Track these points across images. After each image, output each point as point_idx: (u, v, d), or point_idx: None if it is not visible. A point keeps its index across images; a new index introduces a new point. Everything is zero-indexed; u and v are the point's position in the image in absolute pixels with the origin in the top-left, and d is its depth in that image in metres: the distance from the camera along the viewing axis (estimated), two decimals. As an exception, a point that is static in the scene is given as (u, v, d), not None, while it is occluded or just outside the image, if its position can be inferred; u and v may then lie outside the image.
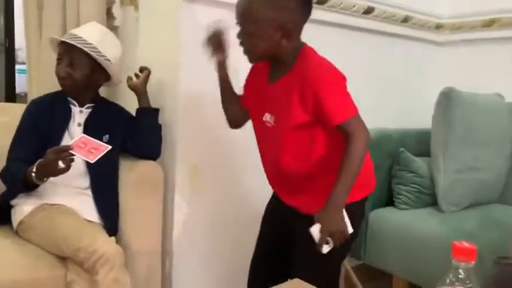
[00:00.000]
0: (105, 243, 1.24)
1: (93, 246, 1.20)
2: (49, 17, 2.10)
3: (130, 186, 1.47)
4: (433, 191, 1.88)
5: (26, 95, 3.93)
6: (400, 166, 1.92)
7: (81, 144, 1.25)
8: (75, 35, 1.43)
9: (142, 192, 1.48)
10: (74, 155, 1.23)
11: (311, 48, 1.22)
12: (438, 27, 2.38)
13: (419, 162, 1.90)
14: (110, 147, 1.28)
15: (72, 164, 1.26)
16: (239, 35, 1.19)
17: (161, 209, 1.53)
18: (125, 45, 1.64)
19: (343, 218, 1.13)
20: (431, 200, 1.90)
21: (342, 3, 1.91)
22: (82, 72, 1.43)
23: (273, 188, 1.40)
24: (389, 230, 1.85)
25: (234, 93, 1.36)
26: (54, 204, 1.37)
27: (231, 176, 1.75)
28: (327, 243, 1.11)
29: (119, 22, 2.02)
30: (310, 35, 1.84)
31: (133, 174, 1.48)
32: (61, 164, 1.22)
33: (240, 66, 1.33)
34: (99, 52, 1.43)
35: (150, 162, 1.52)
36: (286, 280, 1.26)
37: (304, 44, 1.22)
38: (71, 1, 2.01)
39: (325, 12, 1.89)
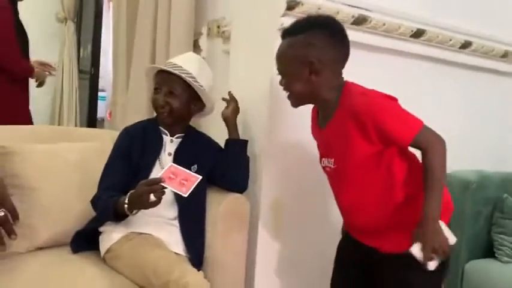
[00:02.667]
0: (195, 277, 1.19)
1: (183, 280, 1.15)
2: (139, 48, 2.18)
3: (217, 220, 1.42)
4: (540, 243, 1.68)
5: (103, 120, 4.14)
6: (503, 214, 1.74)
7: (171, 175, 1.23)
8: (174, 64, 1.44)
9: (229, 226, 1.43)
10: (165, 187, 1.21)
11: (353, 84, 1.22)
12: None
13: (526, 211, 1.72)
14: (200, 177, 1.24)
15: None
16: (280, 82, 1.25)
17: (246, 243, 1.47)
18: (213, 77, 1.64)
19: (441, 231, 1.11)
20: (538, 253, 1.70)
21: (438, 36, 1.81)
22: (181, 101, 1.43)
23: (349, 230, 1.34)
24: (491, 285, 1.66)
25: None
26: (142, 234, 1.35)
27: (315, 213, 1.66)
28: (432, 259, 1.09)
29: (205, 54, 2.05)
30: (406, 67, 1.79)
31: (220, 207, 1.43)
32: (152, 197, 1.20)
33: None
34: (198, 82, 1.43)
35: (237, 196, 1.47)
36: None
37: (345, 83, 1.22)
38: (160, 33, 2.08)
39: (421, 46, 1.80)
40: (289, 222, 1.61)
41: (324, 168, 1.30)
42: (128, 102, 2.28)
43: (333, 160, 1.24)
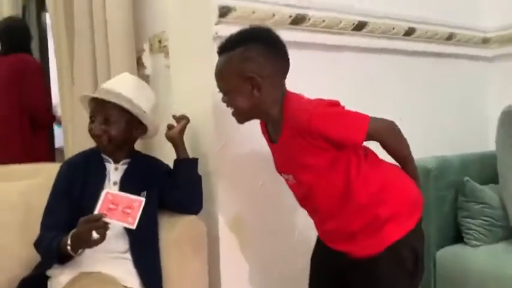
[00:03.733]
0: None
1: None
2: (80, 71, 2.09)
3: (171, 246, 1.35)
4: (507, 223, 1.66)
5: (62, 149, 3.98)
6: (466, 197, 1.72)
7: (110, 205, 1.14)
8: (107, 89, 1.36)
9: (185, 251, 1.35)
10: (107, 223, 1.13)
11: (292, 94, 1.20)
12: (485, 41, 2.21)
13: (488, 191, 1.70)
14: (143, 199, 1.16)
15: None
16: (222, 99, 1.22)
17: (206, 268, 1.39)
18: (157, 94, 1.57)
19: None
20: (506, 234, 1.69)
21: (380, 27, 1.79)
22: (118, 127, 1.35)
23: (320, 236, 1.31)
24: (463, 271, 1.64)
25: None
26: (92, 273, 1.26)
27: (279, 223, 1.60)
28: None
29: (149, 71, 1.98)
30: (352, 62, 1.76)
31: (174, 232, 1.36)
32: (95, 235, 1.12)
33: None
34: (134, 104, 1.35)
35: (191, 218, 1.40)
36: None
37: (286, 94, 1.20)
38: (100, 54, 1.99)
39: (363, 38, 1.77)
40: (253, 238, 1.55)
41: (285, 180, 1.27)
42: (75, 130, 2.18)
43: (291, 176, 1.22)
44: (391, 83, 1.89)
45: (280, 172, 1.28)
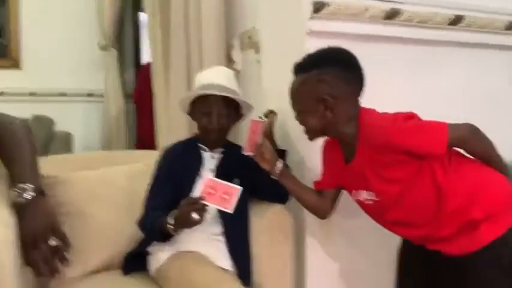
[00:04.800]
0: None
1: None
2: (174, 67, 2.21)
3: (261, 232, 1.42)
4: None
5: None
6: None
7: (210, 190, 1.24)
8: (221, 85, 1.43)
9: (273, 239, 1.42)
10: (207, 205, 1.21)
11: (366, 111, 1.21)
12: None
13: None
14: (241, 188, 1.24)
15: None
16: (296, 117, 1.27)
17: (293, 253, 1.44)
18: (247, 89, 1.64)
19: None
20: None
21: (475, 21, 1.70)
22: (231, 119, 1.47)
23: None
24: None
25: (307, 189, 1.39)
26: (189, 252, 1.36)
27: (365, 218, 1.59)
28: None
29: (239, 66, 2.05)
30: (394, 54, 1.68)
31: (264, 219, 1.43)
32: (195, 216, 1.21)
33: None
34: (241, 97, 1.45)
35: (279, 207, 1.46)
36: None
37: (360, 112, 1.21)
38: (194, 50, 2.10)
39: (458, 32, 1.70)
40: (338, 231, 1.57)
41: (360, 202, 1.28)
42: (169, 121, 2.32)
43: (374, 193, 1.22)
44: (488, 79, 1.80)
45: (355, 190, 1.27)
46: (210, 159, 1.48)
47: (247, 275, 1.37)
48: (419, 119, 1.18)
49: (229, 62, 2.07)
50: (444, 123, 1.14)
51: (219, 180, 1.25)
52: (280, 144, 1.53)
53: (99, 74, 3.66)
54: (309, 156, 1.52)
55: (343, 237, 1.58)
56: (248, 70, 1.97)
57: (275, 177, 1.36)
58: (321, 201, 1.36)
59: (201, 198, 1.22)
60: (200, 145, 1.50)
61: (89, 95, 3.72)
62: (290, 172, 1.40)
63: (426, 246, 1.21)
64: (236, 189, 1.23)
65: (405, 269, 1.34)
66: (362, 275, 1.61)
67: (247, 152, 1.36)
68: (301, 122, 1.26)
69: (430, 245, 1.20)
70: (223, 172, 1.43)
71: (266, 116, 1.52)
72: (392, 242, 1.36)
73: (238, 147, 1.55)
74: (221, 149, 1.50)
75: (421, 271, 1.28)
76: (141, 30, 4.01)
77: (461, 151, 1.22)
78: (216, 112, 1.42)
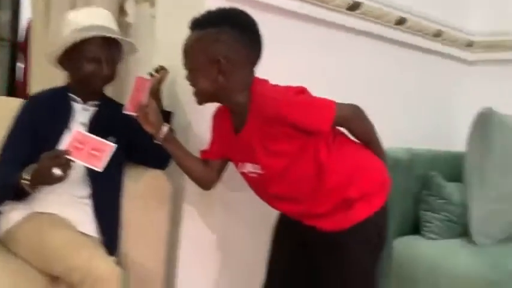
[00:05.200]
0: (103, 264, 1.06)
1: (89, 266, 1.02)
2: (57, 14, 1.97)
3: (134, 199, 1.30)
4: (464, 221, 1.71)
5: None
6: (430, 191, 1.75)
7: (78, 144, 1.08)
8: (105, 27, 1.27)
9: (148, 206, 1.31)
10: (72, 160, 1.06)
11: (259, 81, 1.18)
12: (469, 45, 2.23)
13: (452, 188, 1.73)
14: (114, 145, 1.11)
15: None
16: (186, 76, 1.19)
17: (168, 222, 1.35)
18: (139, 44, 1.49)
19: None
20: (462, 230, 1.72)
21: (372, 11, 1.76)
22: (117, 65, 1.32)
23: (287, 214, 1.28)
24: (416, 262, 1.67)
25: (193, 157, 1.31)
26: (46, 213, 1.20)
27: (247, 190, 1.57)
28: None
29: (132, 19, 1.88)
30: (340, 42, 1.74)
31: (139, 184, 1.31)
32: (57, 172, 1.05)
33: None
34: (122, 37, 1.30)
35: (157, 172, 1.35)
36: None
37: (253, 81, 1.17)
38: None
39: (356, 19, 1.74)
40: (219, 202, 1.52)
41: (245, 174, 1.24)
42: (44, 71, 2.06)
43: (259, 166, 1.18)
44: (375, 66, 1.88)
45: (241, 163, 1.23)
46: (82, 112, 1.32)
47: (113, 243, 1.25)
48: (310, 95, 1.17)
49: (121, 14, 1.88)
50: (332, 101, 1.15)
51: (89, 134, 1.11)
52: (166, 105, 1.42)
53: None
54: (197, 121, 1.44)
55: (222, 208, 1.54)
56: (141, 24, 1.81)
57: (158, 142, 1.25)
58: (207, 171, 1.29)
59: (66, 152, 1.06)
60: (71, 95, 1.32)
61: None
62: (175, 137, 1.30)
63: (303, 221, 1.22)
64: (109, 146, 1.09)
65: (280, 242, 1.34)
66: (238, 247, 1.58)
67: (128, 111, 1.22)
68: (192, 83, 1.18)
69: (306, 221, 1.22)
70: (96, 128, 1.27)
71: (157, 71, 1.38)
72: (271, 218, 1.35)
73: (116, 103, 1.40)
74: (96, 102, 1.35)
75: (294, 245, 1.29)
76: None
77: (345, 132, 1.24)
78: (105, 57, 1.26)
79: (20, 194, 1.16)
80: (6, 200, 1.21)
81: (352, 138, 1.26)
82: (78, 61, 1.26)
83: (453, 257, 1.61)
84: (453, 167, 1.82)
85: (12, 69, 3.61)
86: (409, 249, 1.71)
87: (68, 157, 1.06)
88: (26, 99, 1.35)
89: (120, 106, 1.39)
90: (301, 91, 1.16)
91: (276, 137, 1.14)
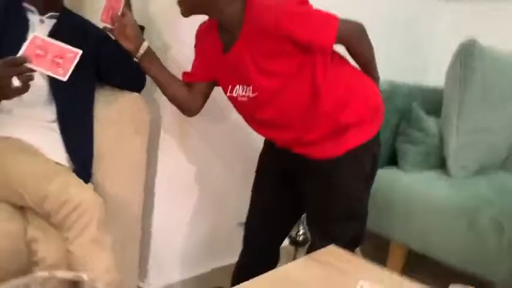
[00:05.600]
0: (81, 191, 0.95)
1: (65, 194, 0.91)
2: None
3: (108, 123, 1.17)
4: (440, 153, 1.71)
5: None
6: (409, 123, 1.73)
7: (38, 51, 0.92)
8: None
9: (123, 132, 1.19)
10: (33, 70, 0.91)
11: None
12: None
13: (431, 121, 1.72)
14: (80, 51, 0.95)
15: (33, 87, 0.95)
16: None
17: (145, 149, 1.24)
18: None
19: None
20: (437, 163, 1.73)
21: None
22: None
23: (274, 142, 1.21)
24: (393, 192, 1.68)
25: (175, 79, 1.18)
26: (9, 138, 1.05)
27: (227, 121, 1.48)
28: None
29: None
30: None
31: (112, 109, 1.18)
32: (16, 82, 0.89)
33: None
34: None
35: (133, 96, 1.22)
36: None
37: None
38: None
39: None
40: (197, 132, 1.42)
41: (233, 98, 1.12)
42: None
43: (250, 88, 1.07)
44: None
45: (231, 85, 1.12)
46: (39, 25, 1.14)
47: (86, 171, 1.12)
48: (311, 7, 1.06)
49: None
50: (335, 16, 1.04)
51: (52, 41, 0.94)
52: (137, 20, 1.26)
53: None
54: (175, 40, 1.29)
55: (201, 139, 1.45)
56: None
57: (136, 60, 1.10)
58: (190, 95, 1.17)
59: (24, 59, 0.90)
60: (26, 5, 1.14)
61: None
62: (155, 55, 1.15)
63: (292, 150, 1.16)
64: (74, 52, 0.94)
65: (264, 173, 1.28)
66: (215, 179, 1.52)
67: (104, 23, 1.05)
68: None
69: (296, 149, 1.15)
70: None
71: None
72: (250, 151, 1.29)
73: (79, 17, 1.23)
74: (55, 14, 1.17)
75: (280, 175, 1.23)
76: None
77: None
78: None
79: None
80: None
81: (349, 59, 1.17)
82: None
83: (428, 187, 1.63)
84: (432, 102, 1.80)
85: None
86: (386, 181, 1.70)
87: (28, 65, 0.90)
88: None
89: (82, 19, 1.22)
90: (303, 2, 1.05)
91: (272, 53, 1.03)
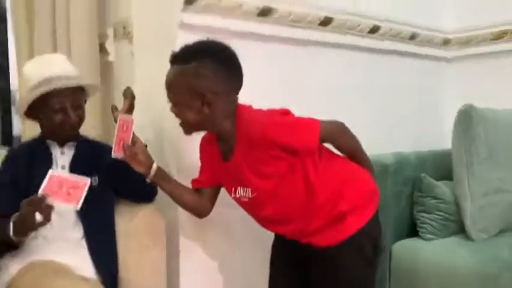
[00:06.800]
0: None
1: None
2: (40, 53, 2.00)
3: (129, 236, 1.33)
4: (459, 218, 1.73)
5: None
6: (422, 192, 1.77)
7: (54, 186, 1.11)
8: (67, 75, 1.30)
9: (143, 241, 1.34)
10: (52, 204, 1.09)
11: (244, 107, 1.21)
12: (446, 42, 2.28)
13: (443, 187, 1.76)
14: (88, 179, 1.13)
15: (61, 212, 1.15)
16: (171, 109, 1.21)
17: (165, 258, 1.38)
18: (121, 82, 1.53)
19: None
20: (457, 228, 1.75)
21: (347, 23, 1.81)
22: (83, 108, 1.34)
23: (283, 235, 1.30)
24: (417, 263, 1.69)
25: (185, 188, 1.33)
26: (44, 261, 1.22)
27: (239, 215, 1.59)
28: None
29: (113, 57, 1.93)
30: (317, 57, 1.77)
31: (132, 222, 1.34)
32: (38, 217, 1.07)
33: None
34: (92, 83, 1.35)
35: (149, 208, 1.38)
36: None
37: (237, 108, 1.20)
38: (61, 38, 1.92)
39: (330, 34, 1.79)
40: (213, 229, 1.54)
41: (237, 199, 1.26)
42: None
43: (250, 189, 1.21)
44: (353, 79, 1.92)
45: (234, 188, 1.25)
46: (60, 157, 1.35)
47: (113, 283, 1.27)
48: (293, 116, 1.21)
49: (102, 52, 1.93)
50: (316, 120, 1.18)
51: (64, 174, 1.14)
52: (154, 139, 1.45)
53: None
54: (180, 156, 1.46)
55: (218, 233, 1.55)
56: (122, 62, 1.85)
57: (149, 180, 1.27)
58: (200, 200, 1.31)
59: (44, 196, 1.09)
60: (48, 141, 1.35)
61: None
62: (165, 172, 1.32)
63: (298, 240, 1.25)
64: (83, 182, 1.12)
65: (277, 262, 1.37)
66: (237, 272, 1.60)
67: (117, 155, 1.23)
68: (177, 115, 1.20)
69: (301, 239, 1.24)
70: (78, 169, 1.29)
71: (125, 95, 1.35)
72: (267, 237, 1.37)
73: (93, 142, 1.43)
74: (73, 143, 1.37)
75: (293, 264, 1.31)
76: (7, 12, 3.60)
77: (329, 147, 1.27)
78: (71, 105, 1.29)
79: (10, 246, 1.19)
80: (0, 253, 1.24)
81: (337, 152, 1.29)
82: (45, 113, 1.29)
83: (451, 255, 1.63)
84: (442, 166, 1.85)
85: (5, 116, 3.62)
86: (408, 252, 1.73)
87: (47, 200, 1.08)
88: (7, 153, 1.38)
89: (96, 143, 1.42)
90: (285, 113, 1.20)
91: (265, 160, 1.16)
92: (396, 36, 2.02)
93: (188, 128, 1.22)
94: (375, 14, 1.91)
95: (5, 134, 3.62)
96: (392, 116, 2.07)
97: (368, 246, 1.21)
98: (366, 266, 1.22)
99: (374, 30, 1.92)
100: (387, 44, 2.00)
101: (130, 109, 1.32)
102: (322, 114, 1.22)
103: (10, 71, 3.69)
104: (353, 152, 1.28)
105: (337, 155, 1.28)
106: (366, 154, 1.31)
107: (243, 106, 1.22)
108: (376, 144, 1.35)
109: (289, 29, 1.67)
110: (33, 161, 1.31)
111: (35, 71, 1.30)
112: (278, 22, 1.63)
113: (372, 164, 1.33)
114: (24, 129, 2.29)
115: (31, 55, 2.09)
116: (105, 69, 1.91)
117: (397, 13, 1.99)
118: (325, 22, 1.75)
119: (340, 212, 1.18)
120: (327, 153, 1.25)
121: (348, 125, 1.27)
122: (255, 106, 1.25)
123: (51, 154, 1.34)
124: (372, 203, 1.25)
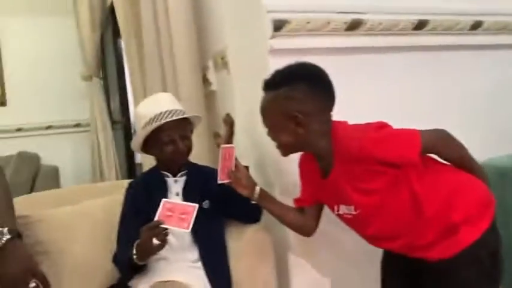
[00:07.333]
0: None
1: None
2: (151, 92, 2.22)
3: (240, 257, 1.40)
4: None
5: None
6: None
7: (168, 212, 1.23)
8: (177, 109, 1.44)
9: (253, 262, 1.40)
10: (166, 228, 1.22)
11: (339, 124, 1.21)
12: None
13: None
14: (196, 205, 1.24)
15: (178, 236, 1.28)
16: (267, 133, 1.25)
17: (274, 274, 1.42)
18: (224, 109, 1.63)
19: None
20: None
21: (443, 23, 1.71)
22: (191, 136, 1.48)
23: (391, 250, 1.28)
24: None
25: (289, 208, 1.36)
26: (167, 281, 1.34)
27: (349, 230, 1.58)
28: None
29: (215, 87, 2.06)
30: (411, 62, 1.69)
31: (241, 242, 1.41)
32: (155, 241, 1.21)
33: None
34: (193, 114, 1.49)
35: (257, 227, 1.44)
36: None
37: (332, 125, 1.20)
38: (168, 74, 2.10)
39: (424, 36, 1.71)
40: (322, 245, 1.54)
41: (340, 216, 1.27)
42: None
43: (352, 207, 1.21)
44: (450, 79, 1.80)
45: (336, 206, 1.26)
46: (174, 185, 1.48)
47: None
48: (391, 128, 1.18)
49: (205, 83, 2.08)
50: (416, 130, 1.14)
51: (174, 201, 1.26)
52: (257, 163, 1.52)
53: (85, 104, 3.67)
54: (284, 174, 1.50)
55: (328, 251, 1.55)
56: (223, 90, 1.97)
57: (254, 202, 1.34)
58: (304, 219, 1.34)
59: (159, 222, 1.21)
60: (163, 172, 1.49)
61: (76, 125, 3.74)
62: (268, 193, 1.38)
63: (408, 255, 1.21)
64: (191, 207, 1.22)
65: (389, 280, 1.34)
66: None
67: (222, 181, 1.33)
68: (273, 139, 1.25)
69: (412, 253, 1.20)
70: (190, 195, 1.42)
71: (225, 122, 1.45)
72: (378, 252, 1.35)
73: (202, 168, 1.55)
74: (184, 171, 1.50)
75: (404, 280, 1.28)
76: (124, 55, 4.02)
77: (435, 157, 1.22)
78: (179, 136, 1.42)
79: (138, 268, 1.34)
80: (129, 275, 1.39)
81: (443, 161, 1.23)
82: (158, 146, 1.44)
83: None
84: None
85: (128, 147, 4.04)
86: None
87: (162, 226, 1.21)
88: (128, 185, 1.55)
89: (205, 169, 1.53)
90: (382, 126, 1.17)
91: (365, 176, 1.15)
92: (502, 29, 1.85)
93: (285, 150, 1.26)
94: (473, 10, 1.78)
95: (128, 162, 4.04)
96: (496, 118, 1.88)
97: (486, 259, 1.14)
98: (484, 279, 1.14)
99: (476, 26, 1.78)
100: (491, 39, 1.84)
101: (230, 135, 1.41)
102: (421, 124, 1.18)
103: (128, 105, 4.12)
104: (458, 159, 1.21)
105: (443, 164, 1.22)
106: (475, 161, 1.22)
107: (338, 123, 1.22)
108: (484, 148, 1.24)
109: (380, 38, 1.63)
110: (150, 189, 1.47)
111: (145, 110, 1.46)
112: (368, 33, 1.61)
113: (485, 170, 1.24)
114: (144, 157, 2.55)
115: (144, 94, 2.34)
116: (210, 98, 2.06)
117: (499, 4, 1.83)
118: (419, 26, 1.68)
119: (453, 224, 1.13)
120: (432, 163, 1.20)
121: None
122: (352, 121, 1.24)
123: (165, 183, 1.48)
124: (487, 212, 1.16)
